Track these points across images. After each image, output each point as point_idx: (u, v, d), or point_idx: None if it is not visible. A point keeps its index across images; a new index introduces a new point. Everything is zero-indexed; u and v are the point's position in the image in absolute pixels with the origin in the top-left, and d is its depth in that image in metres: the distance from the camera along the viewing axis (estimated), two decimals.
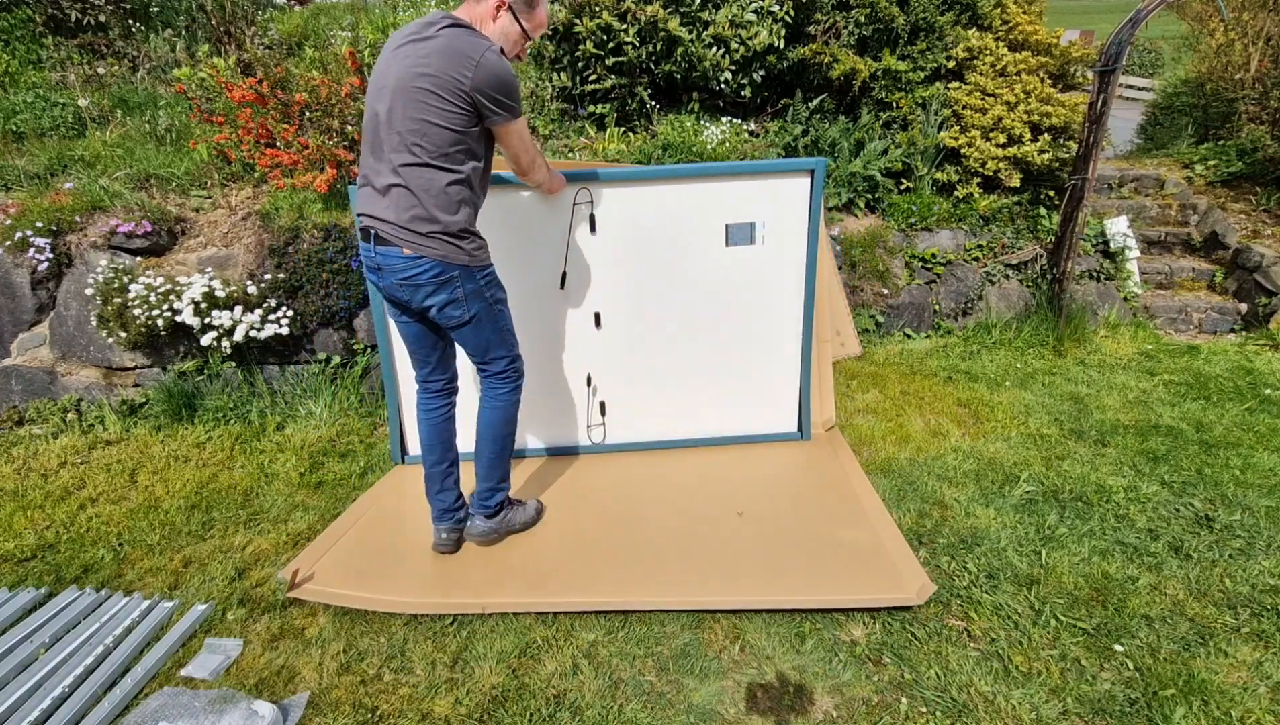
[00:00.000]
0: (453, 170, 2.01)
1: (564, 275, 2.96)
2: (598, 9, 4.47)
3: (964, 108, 4.69)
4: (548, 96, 4.94)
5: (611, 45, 4.54)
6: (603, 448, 3.20)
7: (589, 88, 4.77)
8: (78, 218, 3.84)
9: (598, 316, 3.04)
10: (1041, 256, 4.65)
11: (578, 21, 4.50)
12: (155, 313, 3.54)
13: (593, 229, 2.92)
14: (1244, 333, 4.65)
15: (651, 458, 3.12)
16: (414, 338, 2.27)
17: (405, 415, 3.16)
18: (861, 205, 4.68)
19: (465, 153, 2.03)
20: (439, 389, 2.38)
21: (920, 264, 4.59)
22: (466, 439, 2.54)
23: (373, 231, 2.05)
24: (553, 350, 3.08)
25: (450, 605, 2.18)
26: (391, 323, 2.25)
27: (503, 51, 2.03)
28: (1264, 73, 6.00)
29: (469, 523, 2.46)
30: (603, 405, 3.16)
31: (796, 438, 3.23)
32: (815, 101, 4.84)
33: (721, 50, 4.56)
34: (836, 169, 4.63)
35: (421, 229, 2.00)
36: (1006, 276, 4.70)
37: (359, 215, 2.11)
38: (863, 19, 4.60)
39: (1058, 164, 4.65)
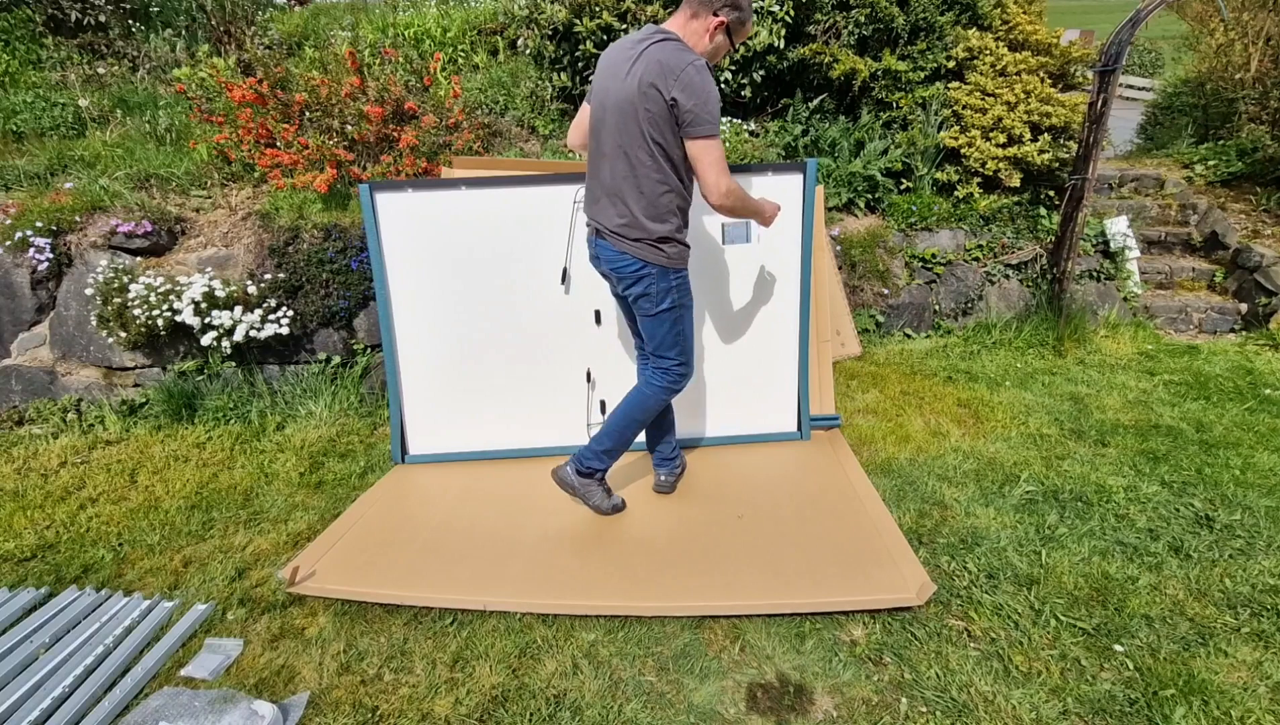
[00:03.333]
0: (664, 181, 2.19)
1: (565, 272, 2.97)
2: (598, 9, 4.47)
3: (964, 108, 4.68)
4: (548, 96, 4.94)
5: None
6: None
7: (589, 88, 4.77)
8: (78, 218, 3.84)
9: (598, 314, 3.05)
10: (1041, 256, 4.65)
11: (578, 21, 4.50)
12: (155, 313, 3.54)
13: None
14: (1244, 333, 4.65)
15: (651, 458, 3.12)
16: (628, 313, 2.56)
17: (406, 414, 3.16)
18: (861, 205, 4.68)
19: (676, 163, 2.18)
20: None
21: (920, 264, 4.59)
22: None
23: (594, 228, 2.35)
24: (553, 347, 3.08)
25: (451, 601, 2.18)
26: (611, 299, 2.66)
27: (708, 64, 2.14)
28: (1264, 73, 6.01)
29: (565, 466, 2.61)
30: (603, 404, 3.16)
31: (796, 438, 3.23)
32: (815, 101, 4.84)
33: None
34: (836, 169, 4.62)
35: (630, 235, 2.24)
36: (1006, 276, 4.70)
37: (588, 218, 2.39)
38: (863, 19, 4.60)
39: (1058, 164, 4.65)
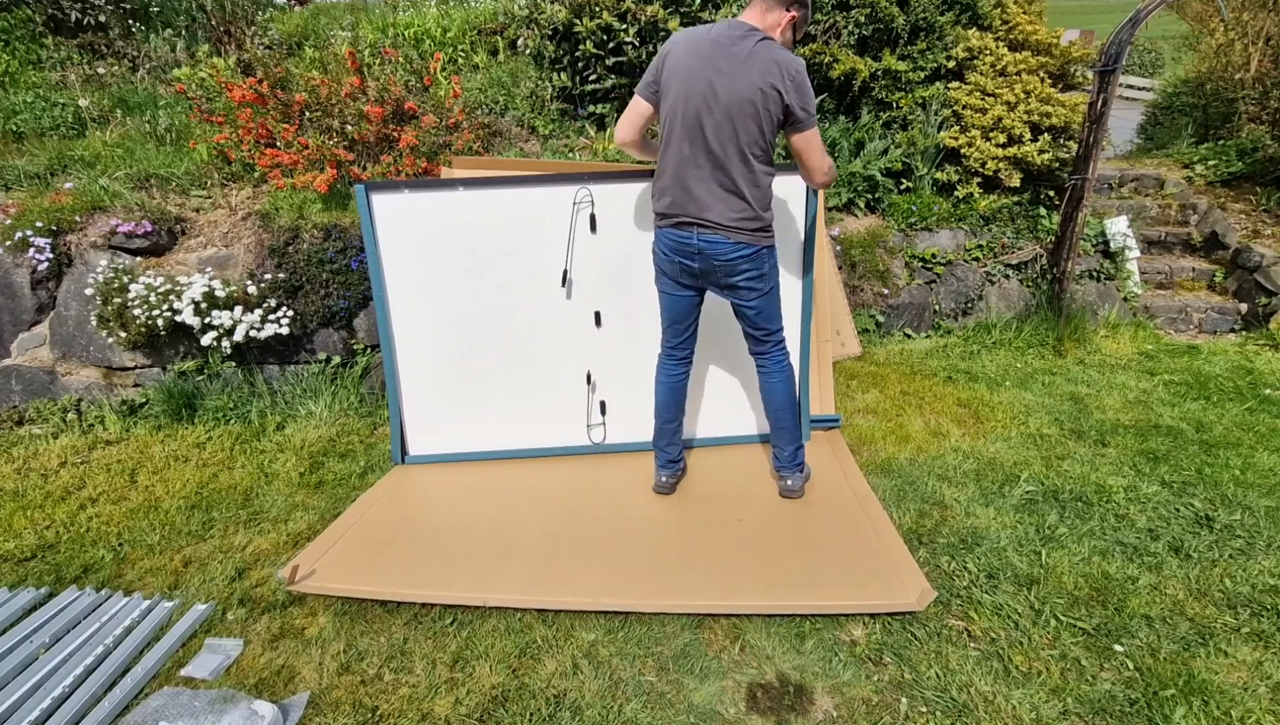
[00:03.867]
0: (770, 172, 2.34)
1: (565, 274, 2.97)
2: (598, 9, 4.47)
3: (964, 108, 4.68)
4: (548, 96, 4.94)
5: (611, 45, 4.54)
6: (603, 448, 3.19)
7: (589, 88, 4.77)
8: (78, 218, 3.84)
9: (598, 315, 3.05)
10: (1041, 256, 4.65)
11: (578, 21, 4.50)
12: (155, 313, 3.54)
13: (593, 228, 2.92)
14: (1244, 333, 4.65)
15: (651, 458, 3.12)
16: (682, 311, 2.60)
17: (405, 415, 3.16)
18: (861, 205, 4.68)
19: (772, 154, 2.32)
20: (682, 357, 2.71)
21: (920, 264, 4.59)
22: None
23: (693, 223, 2.34)
24: (553, 349, 3.08)
25: (451, 598, 2.18)
26: (661, 294, 2.62)
27: None
28: (1264, 73, 6.01)
29: (788, 482, 2.71)
30: (603, 404, 3.16)
31: None
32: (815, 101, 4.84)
33: None
34: (836, 169, 4.62)
35: (750, 226, 2.32)
36: (1006, 276, 4.70)
37: (679, 216, 2.35)
38: (863, 19, 4.59)
39: (1058, 164, 4.65)
